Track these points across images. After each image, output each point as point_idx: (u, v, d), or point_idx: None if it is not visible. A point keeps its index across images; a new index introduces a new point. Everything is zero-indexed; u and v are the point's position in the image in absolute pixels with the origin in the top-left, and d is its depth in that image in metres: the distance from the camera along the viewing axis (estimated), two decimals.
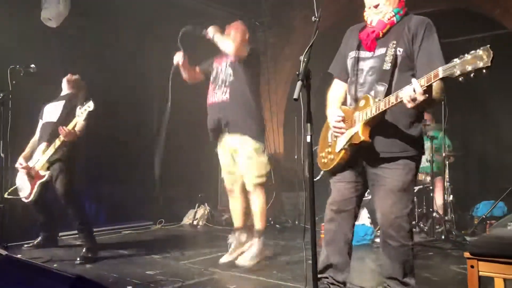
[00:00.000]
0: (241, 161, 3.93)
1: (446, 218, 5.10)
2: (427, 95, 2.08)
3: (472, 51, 1.91)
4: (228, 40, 3.86)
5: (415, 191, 5.50)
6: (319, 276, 2.57)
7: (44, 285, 1.79)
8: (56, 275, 1.83)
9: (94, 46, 5.93)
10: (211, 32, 3.85)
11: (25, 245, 4.62)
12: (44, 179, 4.29)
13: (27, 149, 4.59)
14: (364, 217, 5.09)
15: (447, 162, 5.37)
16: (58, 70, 4.60)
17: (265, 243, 3.85)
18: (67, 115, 4.31)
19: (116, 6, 5.68)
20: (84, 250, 4.13)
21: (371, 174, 2.49)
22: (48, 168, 4.28)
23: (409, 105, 2.12)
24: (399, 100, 2.17)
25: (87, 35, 5.85)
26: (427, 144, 5.57)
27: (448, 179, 5.35)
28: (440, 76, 2.00)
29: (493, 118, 6.70)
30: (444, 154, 5.09)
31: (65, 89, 4.60)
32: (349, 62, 2.59)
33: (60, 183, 4.20)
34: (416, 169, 2.46)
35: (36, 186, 4.33)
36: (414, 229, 5.26)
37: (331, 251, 2.58)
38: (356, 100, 2.48)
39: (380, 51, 2.44)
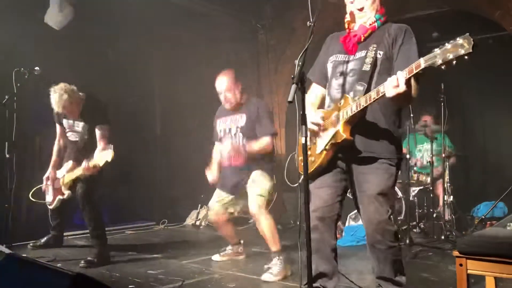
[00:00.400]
0: (248, 188, 3.96)
1: (446, 218, 5.12)
2: (407, 88, 2.13)
3: (451, 41, 1.96)
4: (260, 144, 3.90)
5: (415, 192, 5.58)
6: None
7: (45, 282, 1.85)
8: (57, 273, 1.89)
9: (97, 48, 6.02)
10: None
11: (30, 244, 4.68)
12: (64, 197, 4.39)
13: (54, 156, 4.60)
14: None
15: (447, 163, 5.40)
16: (62, 72, 4.63)
17: (286, 260, 3.76)
18: (89, 136, 4.32)
19: (120, 9, 5.74)
20: (92, 255, 4.12)
21: (354, 181, 2.52)
22: (70, 188, 4.36)
23: (391, 93, 2.14)
24: (380, 94, 2.22)
25: (91, 38, 5.92)
26: (427, 145, 5.62)
27: (448, 180, 5.38)
28: (422, 66, 2.05)
29: (494, 119, 6.72)
30: (443, 155, 5.11)
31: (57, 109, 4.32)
32: (329, 66, 2.64)
33: (80, 184, 4.22)
34: (396, 174, 2.51)
35: (56, 199, 4.44)
36: (414, 230, 5.35)
37: (318, 260, 2.59)
38: (335, 101, 2.53)
39: (360, 53, 2.50)
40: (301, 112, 2.10)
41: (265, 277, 3.58)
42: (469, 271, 1.89)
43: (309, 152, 2.54)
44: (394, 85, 2.13)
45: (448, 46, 1.96)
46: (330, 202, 2.55)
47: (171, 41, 6.87)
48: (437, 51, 2.00)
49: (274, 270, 3.64)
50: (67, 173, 4.36)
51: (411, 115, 4.67)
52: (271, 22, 6.95)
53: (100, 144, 4.22)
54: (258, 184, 3.90)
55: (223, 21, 6.93)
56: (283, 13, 6.74)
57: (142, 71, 6.72)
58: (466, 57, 1.93)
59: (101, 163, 3.97)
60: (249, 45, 7.20)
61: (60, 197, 4.43)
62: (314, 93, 2.75)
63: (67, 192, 4.39)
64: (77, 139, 4.44)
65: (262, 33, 7.05)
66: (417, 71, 2.08)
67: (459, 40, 1.94)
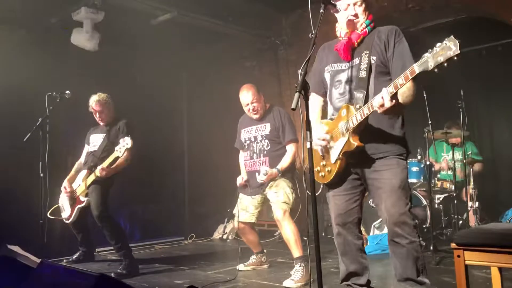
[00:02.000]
0: (270, 193, 4.12)
1: (471, 225, 5.08)
2: (394, 101, 2.25)
3: (439, 43, 2.04)
4: (287, 157, 4.12)
5: (440, 199, 5.55)
6: (343, 283, 2.77)
7: (73, 282, 2.01)
8: (82, 274, 2.06)
9: (126, 69, 6.31)
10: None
11: (64, 261, 4.88)
12: (83, 205, 4.58)
13: (73, 172, 4.86)
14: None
15: (471, 169, 5.37)
16: (91, 94, 4.90)
17: (307, 267, 3.80)
18: (107, 145, 4.58)
19: (145, 33, 6.04)
20: (121, 267, 4.27)
21: (368, 180, 2.61)
22: (87, 195, 4.55)
23: (379, 111, 2.29)
24: (373, 110, 2.36)
25: (118, 61, 6.22)
26: (449, 153, 5.59)
27: (473, 186, 5.33)
28: (417, 71, 2.14)
29: None
30: (464, 161, 5.09)
31: (94, 106, 4.69)
32: (327, 76, 2.75)
33: (94, 205, 4.42)
34: (407, 167, 2.60)
35: (75, 210, 4.62)
36: (440, 237, 5.31)
37: (347, 261, 2.73)
38: (337, 110, 2.63)
39: (355, 61, 2.62)
40: (305, 119, 2.21)
41: (287, 283, 3.67)
42: (467, 262, 1.94)
43: (324, 162, 2.68)
44: (380, 103, 2.26)
45: (437, 49, 2.05)
46: (348, 208, 2.68)
47: (196, 61, 7.14)
48: (428, 55, 2.08)
49: (295, 276, 3.72)
50: (83, 181, 4.56)
51: (429, 121, 4.67)
52: (290, 38, 7.09)
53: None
54: (281, 191, 4.05)
55: (244, 39, 7.14)
56: (301, 28, 6.88)
57: (169, 91, 7.00)
58: (455, 58, 2.00)
59: (121, 153, 4.23)
60: (270, 61, 7.37)
61: (79, 206, 4.59)
62: (314, 105, 2.84)
63: (85, 199, 4.54)
64: (96, 148, 4.67)
65: (282, 49, 7.20)
66: (412, 76, 2.17)
67: (446, 42, 2.02)
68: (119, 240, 4.41)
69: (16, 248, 2.79)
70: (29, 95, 5.15)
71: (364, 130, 2.51)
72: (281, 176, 4.10)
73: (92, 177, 4.47)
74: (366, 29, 2.64)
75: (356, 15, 2.63)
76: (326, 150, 2.65)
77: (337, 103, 2.66)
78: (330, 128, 2.64)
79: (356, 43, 2.63)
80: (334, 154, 2.59)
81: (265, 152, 4.17)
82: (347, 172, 2.65)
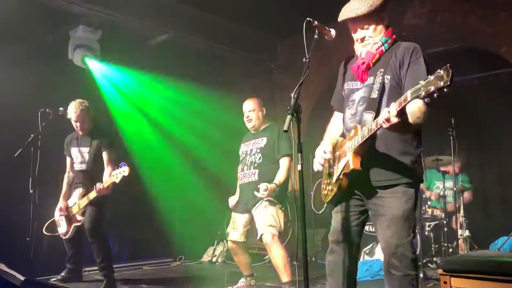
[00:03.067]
0: (256, 215, 4.10)
1: (460, 253, 5.07)
2: (402, 118, 2.13)
3: (436, 72, 1.95)
4: (282, 171, 4.13)
5: (430, 227, 5.54)
6: None
7: None
8: None
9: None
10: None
11: (51, 280, 4.77)
12: (79, 224, 4.56)
13: (65, 187, 4.83)
14: (379, 252, 5.11)
15: (461, 197, 5.39)
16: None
17: None
18: (95, 161, 4.59)
19: (141, 52, 6.09)
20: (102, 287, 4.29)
21: (370, 205, 2.51)
22: (83, 213, 4.54)
23: (384, 125, 2.17)
24: (378, 126, 2.23)
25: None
26: (439, 181, 5.62)
27: (463, 214, 5.34)
28: (409, 99, 2.04)
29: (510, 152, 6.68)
30: (454, 189, 5.11)
31: (72, 117, 4.63)
32: (345, 94, 2.68)
33: (88, 218, 4.42)
34: (416, 196, 2.45)
35: (72, 227, 4.60)
36: (430, 265, 5.29)
37: (332, 283, 2.59)
38: (348, 130, 2.55)
39: (369, 80, 2.51)
40: (296, 141, 2.21)
41: None
42: None
43: (328, 181, 2.61)
44: (385, 118, 2.15)
45: (431, 78, 1.96)
46: (345, 226, 2.55)
47: (191, 83, 7.18)
48: (422, 83, 1.99)
49: None
50: (79, 200, 4.54)
51: (421, 149, 4.69)
52: (285, 62, 7.18)
53: (107, 169, 4.47)
54: (268, 214, 4.02)
55: (240, 63, 7.21)
56: (296, 53, 6.96)
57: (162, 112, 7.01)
58: (445, 89, 1.91)
59: (118, 180, 4.23)
60: (265, 85, 7.44)
61: (76, 224, 4.57)
62: (334, 122, 2.79)
63: (81, 218, 4.53)
64: (84, 168, 4.65)
65: (277, 73, 7.29)
66: (406, 103, 2.08)
67: (440, 72, 1.93)
68: (105, 259, 4.40)
69: (0, 266, 2.75)
70: (22, 111, 5.14)
71: (370, 155, 2.41)
72: (271, 197, 4.06)
73: (88, 199, 4.45)
74: (383, 47, 2.51)
75: (363, 39, 2.54)
76: (331, 168, 2.59)
77: (349, 123, 2.57)
78: (339, 146, 2.55)
79: (371, 64, 2.51)
80: (336, 173, 2.53)
81: (256, 165, 4.17)
82: (349, 193, 2.55)
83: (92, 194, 4.38)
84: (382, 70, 2.44)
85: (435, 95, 1.94)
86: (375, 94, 2.42)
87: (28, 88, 5.28)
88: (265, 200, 4.05)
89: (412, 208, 2.43)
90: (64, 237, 4.69)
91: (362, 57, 2.54)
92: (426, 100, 1.98)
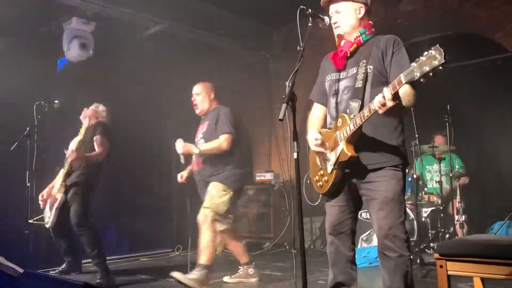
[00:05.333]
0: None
1: (457, 238, 5.10)
2: (396, 101, 2.21)
3: (426, 52, 2.01)
4: (211, 144, 4.11)
5: (427, 213, 5.58)
6: None
7: None
8: (67, 283, 2.05)
9: (115, 82, 6.30)
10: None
11: (51, 272, 4.79)
12: (58, 202, 4.46)
13: (54, 181, 4.81)
14: (376, 239, 5.14)
15: (457, 183, 5.41)
16: (80, 105, 4.89)
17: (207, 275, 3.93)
18: (79, 142, 4.63)
19: (137, 45, 6.05)
20: (98, 278, 4.25)
21: (363, 190, 2.59)
22: (64, 192, 4.49)
23: (380, 111, 2.24)
24: (372, 112, 2.30)
25: (107, 73, 6.22)
26: (436, 166, 5.65)
27: (460, 199, 5.37)
28: (403, 81, 2.11)
29: (509, 138, 6.69)
30: (450, 175, 5.13)
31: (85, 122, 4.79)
32: (327, 85, 2.76)
33: (73, 211, 4.41)
34: (404, 178, 2.57)
35: (53, 211, 4.50)
36: (427, 251, 5.33)
37: (336, 271, 2.70)
38: (334, 119, 2.62)
39: (352, 70, 2.60)
40: (292, 129, 2.22)
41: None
42: (449, 272, 1.96)
43: (322, 172, 2.67)
44: (381, 102, 2.22)
45: (423, 58, 2.02)
46: (342, 219, 2.66)
47: (186, 75, 7.14)
48: (414, 65, 2.05)
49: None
50: (58, 179, 4.56)
51: (416, 135, 4.72)
52: (280, 51, 7.16)
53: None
54: (209, 194, 4.04)
55: (235, 52, 7.18)
56: (291, 42, 6.94)
57: (158, 105, 6.98)
58: (440, 67, 1.97)
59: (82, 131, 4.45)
60: (261, 74, 7.42)
61: (56, 206, 4.48)
62: (315, 114, 2.86)
63: (59, 196, 4.47)
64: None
65: (272, 62, 7.26)
66: (400, 87, 2.14)
67: (432, 52, 1.99)
68: (95, 248, 4.36)
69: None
70: (17, 104, 5.13)
71: (360, 140, 2.49)
72: (214, 179, 4.08)
73: (63, 171, 4.49)
74: (360, 37, 2.61)
75: (344, 34, 2.64)
76: (323, 159, 2.64)
77: (334, 112, 2.66)
78: (327, 137, 2.61)
79: (349, 52, 2.62)
80: (330, 163, 2.59)
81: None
82: (344, 182, 2.62)
83: (66, 164, 4.44)
84: (365, 61, 2.55)
85: (430, 74, 2.00)
86: (359, 84, 2.52)
87: (23, 81, 5.24)
88: (213, 182, 4.05)
89: (402, 189, 2.55)
90: (47, 226, 4.58)
91: (341, 46, 2.66)
92: (422, 80, 2.04)
